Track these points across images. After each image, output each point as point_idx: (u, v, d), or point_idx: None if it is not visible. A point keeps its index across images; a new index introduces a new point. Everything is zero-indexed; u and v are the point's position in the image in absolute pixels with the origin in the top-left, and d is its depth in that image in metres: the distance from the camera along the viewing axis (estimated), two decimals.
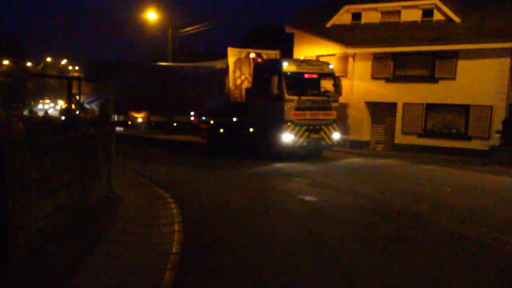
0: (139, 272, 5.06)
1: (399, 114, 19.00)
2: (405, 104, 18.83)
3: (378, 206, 8.47)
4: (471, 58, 17.35)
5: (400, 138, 19.06)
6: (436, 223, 7.37)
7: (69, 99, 19.63)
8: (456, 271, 5.24)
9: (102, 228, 6.43)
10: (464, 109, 17.72)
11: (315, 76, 15.29)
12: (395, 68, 19.18)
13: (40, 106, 66.53)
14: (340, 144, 16.21)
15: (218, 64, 17.90)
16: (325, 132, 15.10)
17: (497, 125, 16.44)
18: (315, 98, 15.05)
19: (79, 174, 6.61)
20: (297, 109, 14.50)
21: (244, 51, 16.88)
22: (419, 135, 18.69)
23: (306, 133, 14.72)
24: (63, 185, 5.92)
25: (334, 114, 15.41)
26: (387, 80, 19.21)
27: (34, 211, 4.97)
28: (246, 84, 16.72)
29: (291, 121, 14.44)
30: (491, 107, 16.96)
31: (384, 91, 19.17)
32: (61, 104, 57.83)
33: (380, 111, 19.85)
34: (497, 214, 8.10)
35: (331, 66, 15.80)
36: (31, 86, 50.47)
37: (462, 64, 17.58)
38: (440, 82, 18.07)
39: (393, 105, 19.09)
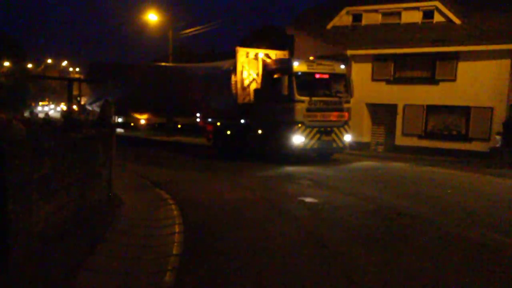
0: (139, 273, 5.06)
1: (399, 116, 18.99)
2: (405, 105, 18.83)
3: (378, 207, 8.47)
4: (472, 60, 17.36)
5: (400, 140, 19.04)
6: (437, 224, 7.36)
7: (70, 101, 19.60)
8: (457, 273, 5.23)
9: (102, 229, 6.42)
10: (464, 111, 17.72)
11: (326, 76, 14.89)
12: (395, 70, 19.18)
13: (39, 108, 65.19)
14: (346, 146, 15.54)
15: (226, 65, 17.48)
16: (336, 134, 14.70)
17: (498, 126, 16.45)
18: (326, 99, 14.63)
19: (80, 175, 6.62)
20: (308, 110, 14.11)
21: (253, 51, 16.46)
22: (420, 137, 18.68)
23: (317, 135, 14.32)
24: (64, 186, 5.92)
25: (346, 116, 14.94)
26: (388, 81, 19.21)
27: (34, 212, 4.97)
28: (254, 85, 16.32)
29: (302, 123, 14.07)
30: (492, 108, 16.95)
31: (385, 93, 19.17)
32: (62, 106, 57.85)
33: (381, 113, 19.83)
34: (498, 216, 8.08)
35: (342, 66, 15.39)
36: (32, 88, 50.50)
37: (462, 66, 17.59)
38: (440, 83, 18.07)
39: (394, 106, 19.09)
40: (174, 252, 5.72)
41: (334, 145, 14.84)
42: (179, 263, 5.33)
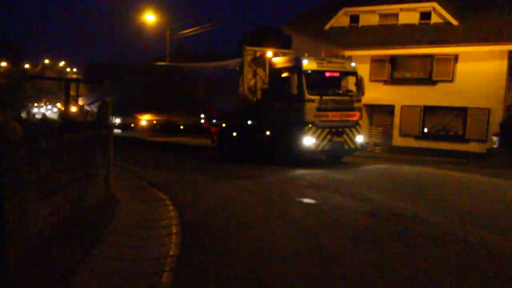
0: (137, 274, 5.06)
1: (397, 117, 19.04)
2: (403, 106, 18.88)
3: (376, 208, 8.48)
4: (469, 61, 17.42)
5: (398, 140, 19.09)
6: (434, 225, 7.36)
7: (67, 101, 19.43)
8: (454, 274, 5.24)
9: (100, 230, 6.42)
10: (461, 112, 17.78)
11: (336, 74, 14.39)
12: (393, 71, 19.24)
13: (36, 109, 63.99)
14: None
15: (232, 64, 17.20)
16: (348, 135, 14.15)
17: (495, 127, 16.51)
18: (337, 98, 14.11)
19: (77, 176, 6.60)
20: (318, 110, 13.56)
21: (259, 50, 16.13)
22: (417, 137, 18.72)
23: (329, 136, 13.74)
24: (61, 187, 5.91)
25: (357, 115, 14.46)
26: (385, 82, 19.26)
27: (31, 213, 4.96)
28: (260, 85, 15.94)
29: (313, 123, 13.52)
30: (489, 109, 17.00)
31: (382, 94, 19.19)
32: (59, 106, 57.50)
33: (378, 114, 19.88)
34: (495, 217, 8.11)
35: (353, 64, 14.88)
36: (29, 88, 50.39)
37: (459, 67, 17.65)
38: (438, 84, 18.13)
39: (391, 107, 19.14)
40: (172, 253, 5.72)
41: (346, 146, 14.29)
42: (177, 264, 5.33)
